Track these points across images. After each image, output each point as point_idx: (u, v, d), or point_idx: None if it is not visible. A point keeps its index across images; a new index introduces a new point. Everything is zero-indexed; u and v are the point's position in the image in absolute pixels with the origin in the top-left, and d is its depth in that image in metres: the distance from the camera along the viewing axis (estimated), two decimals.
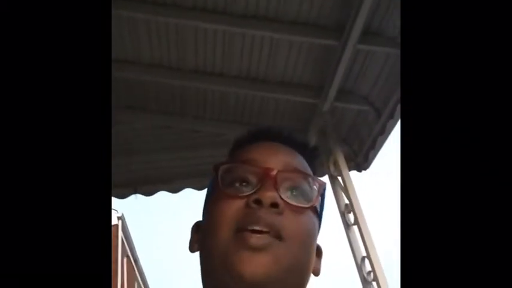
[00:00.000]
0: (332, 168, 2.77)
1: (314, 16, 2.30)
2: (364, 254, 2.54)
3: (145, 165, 3.18)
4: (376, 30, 2.29)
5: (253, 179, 0.61)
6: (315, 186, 0.64)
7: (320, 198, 0.65)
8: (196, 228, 0.68)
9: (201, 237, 0.64)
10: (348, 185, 2.62)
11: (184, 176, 3.18)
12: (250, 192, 0.59)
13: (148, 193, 3.24)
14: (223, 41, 2.51)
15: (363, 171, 3.02)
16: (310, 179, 0.64)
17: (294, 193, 0.61)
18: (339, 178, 2.73)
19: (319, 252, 0.68)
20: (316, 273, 0.66)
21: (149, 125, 3.11)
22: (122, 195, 3.26)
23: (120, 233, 11.54)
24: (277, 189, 0.59)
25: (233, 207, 0.58)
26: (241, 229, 0.56)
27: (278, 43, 2.48)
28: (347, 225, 2.70)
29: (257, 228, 0.56)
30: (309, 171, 0.67)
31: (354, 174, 2.92)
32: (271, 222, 0.56)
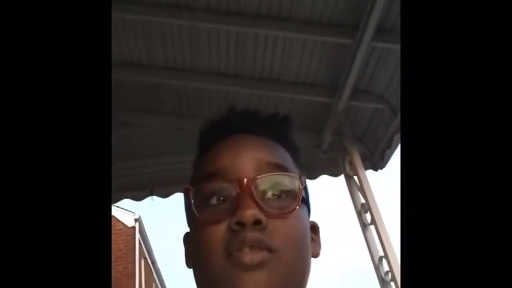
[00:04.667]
0: (348, 167, 2.75)
1: (327, 14, 2.29)
2: (382, 254, 2.51)
3: (161, 167, 3.20)
4: (390, 27, 2.26)
5: (227, 194, 0.57)
6: (294, 177, 0.60)
7: (303, 188, 0.60)
8: (187, 240, 0.65)
9: (193, 259, 0.61)
10: (364, 184, 2.59)
11: None
12: (229, 213, 0.55)
13: (165, 195, 3.26)
14: (237, 42, 2.51)
15: (379, 170, 3.00)
16: (288, 173, 0.60)
17: (275, 196, 0.57)
18: (355, 177, 2.71)
19: (315, 230, 0.64)
20: (316, 256, 0.62)
21: (164, 127, 3.12)
22: (139, 198, 3.28)
23: (138, 235, 11.62)
24: (255, 202, 0.55)
25: (217, 234, 0.55)
26: (231, 254, 0.54)
27: (292, 43, 2.47)
28: (364, 225, 2.68)
29: (246, 250, 0.53)
30: (285, 158, 0.63)
31: (370, 173, 2.90)
32: (259, 239, 0.54)
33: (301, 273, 0.57)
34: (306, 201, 0.62)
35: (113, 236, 10.74)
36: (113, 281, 9.87)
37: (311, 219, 0.65)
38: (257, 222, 0.54)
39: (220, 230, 0.55)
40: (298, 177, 0.60)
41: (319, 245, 0.65)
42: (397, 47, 2.34)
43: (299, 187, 0.59)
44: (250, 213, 0.54)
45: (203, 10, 2.33)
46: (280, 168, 0.60)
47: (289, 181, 0.59)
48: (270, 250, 0.54)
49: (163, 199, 3.25)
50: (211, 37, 2.51)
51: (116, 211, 11.01)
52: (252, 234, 0.54)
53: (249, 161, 0.59)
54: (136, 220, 11.68)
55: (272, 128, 0.66)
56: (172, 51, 2.63)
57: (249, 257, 0.53)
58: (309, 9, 2.27)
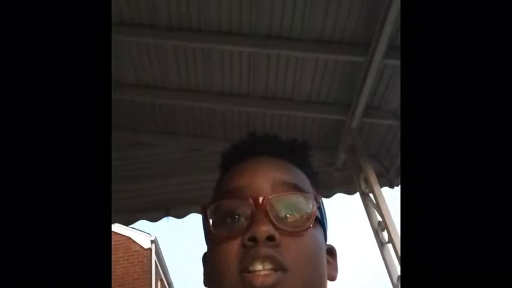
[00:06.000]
0: (363, 185, 2.72)
1: (339, 33, 2.30)
2: (400, 273, 2.46)
3: (176, 188, 3.21)
4: None
5: (242, 212, 0.58)
6: (308, 196, 0.60)
7: (317, 208, 0.61)
8: (205, 259, 0.66)
9: (208, 277, 0.63)
10: (380, 202, 2.56)
11: None
12: (243, 230, 0.56)
13: (180, 215, 3.26)
14: (249, 62, 2.54)
15: (396, 187, 2.96)
16: (303, 193, 0.61)
17: (289, 215, 0.58)
18: (371, 195, 2.68)
19: (332, 254, 0.64)
20: (332, 279, 0.62)
21: (178, 148, 3.14)
22: (154, 219, 3.29)
23: (154, 257, 11.59)
24: (270, 220, 0.56)
25: (230, 250, 0.56)
26: (243, 270, 0.54)
27: (303, 62, 2.49)
28: (381, 244, 2.64)
29: (259, 268, 0.53)
30: (301, 180, 0.63)
31: (386, 190, 2.87)
32: (271, 256, 0.54)
33: (317, 286, 0.57)
34: (321, 223, 0.62)
35: (129, 257, 10.73)
36: None
37: (329, 242, 0.65)
38: (270, 238, 0.55)
39: (233, 247, 0.56)
40: (313, 197, 0.61)
41: (335, 269, 0.65)
42: None
43: (313, 207, 0.60)
44: (264, 229, 0.55)
45: (215, 32, 2.37)
46: (295, 188, 0.61)
47: (303, 201, 0.60)
48: (282, 269, 0.54)
49: (178, 220, 3.26)
50: (224, 58, 2.54)
51: (132, 233, 11.02)
52: (264, 250, 0.54)
53: (265, 181, 0.60)
54: (152, 242, 11.67)
55: (292, 151, 0.67)
56: (186, 72, 2.66)
57: (261, 280, 0.53)
58: (320, 28, 2.29)
